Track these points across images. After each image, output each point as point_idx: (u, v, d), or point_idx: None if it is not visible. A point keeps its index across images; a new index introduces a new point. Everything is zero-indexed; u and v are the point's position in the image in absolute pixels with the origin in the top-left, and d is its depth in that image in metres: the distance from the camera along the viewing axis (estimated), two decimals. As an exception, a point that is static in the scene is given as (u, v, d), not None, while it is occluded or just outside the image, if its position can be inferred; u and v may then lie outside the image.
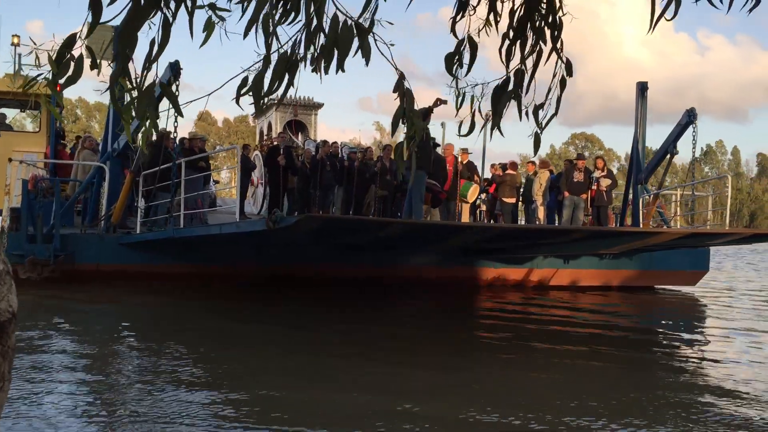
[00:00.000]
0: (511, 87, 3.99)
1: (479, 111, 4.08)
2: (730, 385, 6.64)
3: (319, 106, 26.63)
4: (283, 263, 12.40)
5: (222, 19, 3.22)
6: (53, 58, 3.18)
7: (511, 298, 13.08)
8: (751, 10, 3.56)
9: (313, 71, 3.28)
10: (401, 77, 3.34)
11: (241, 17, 3.21)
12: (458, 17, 3.96)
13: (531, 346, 8.44)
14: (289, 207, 15.83)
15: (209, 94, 3.69)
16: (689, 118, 13.49)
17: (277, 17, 3.22)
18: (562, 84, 4.07)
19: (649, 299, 14.17)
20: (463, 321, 10.47)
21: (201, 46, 3.32)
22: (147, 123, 3.35)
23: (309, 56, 3.27)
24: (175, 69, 9.99)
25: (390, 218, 7.62)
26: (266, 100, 3.35)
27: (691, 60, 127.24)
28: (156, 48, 3.20)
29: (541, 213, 16.64)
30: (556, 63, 4.06)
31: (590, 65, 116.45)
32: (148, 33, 3.22)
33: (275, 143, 18.04)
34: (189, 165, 11.31)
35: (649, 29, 3.54)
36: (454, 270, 13.81)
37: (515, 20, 3.98)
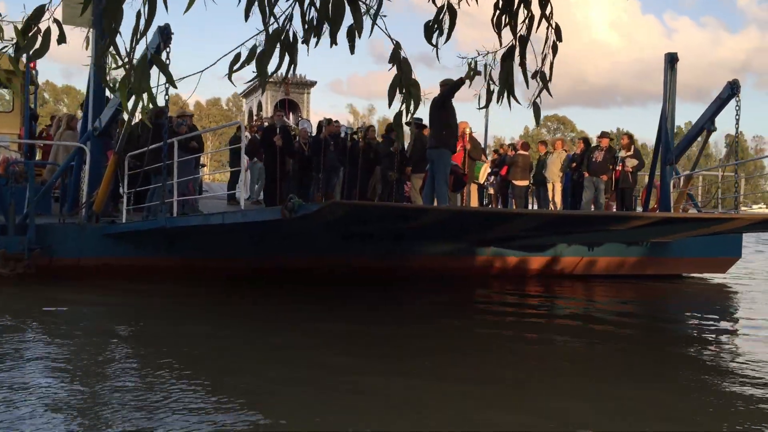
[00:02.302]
0: (517, 55, 3.97)
1: (492, 80, 3.99)
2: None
3: (312, 84, 25.35)
4: (284, 254, 11.17)
5: None
6: (19, 29, 3.06)
7: (532, 289, 12.01)
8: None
9: (302, 43, 3.22)
10: (397, 47, 3.23)
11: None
12: None
13: (553, 340, 7.67)
14: (285, 192, 14.64)
15: (204, 70, 3.59)
16: (732, 90, 12.33)
17: None
18: (554, 49, 4.06)
19: (677, 288, 13.14)
20: (485, 316, 9.37)
21: (185, 11, 3.21)
22: (145, 98, 3.22)
23: (302, 31, 3.22)
24: (165, 34, 8.68)
25: (427, 205, 6.53)
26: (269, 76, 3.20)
27: (659, 42, 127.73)
28: (143, 19, 3.07)
29: (558, 196, 15.55)
30: (547, 29, 4.03)
31: (559, 48, 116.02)
32: (132, 4, 3.10)
33: (266, 123, 16.80)
34: (180, 145, 10.04)
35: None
36: (470, 260, 12.66)
37: None
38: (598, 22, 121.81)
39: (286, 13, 3.21)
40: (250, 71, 3.25)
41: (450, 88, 9.54)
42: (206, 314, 8.64)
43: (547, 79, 4.13)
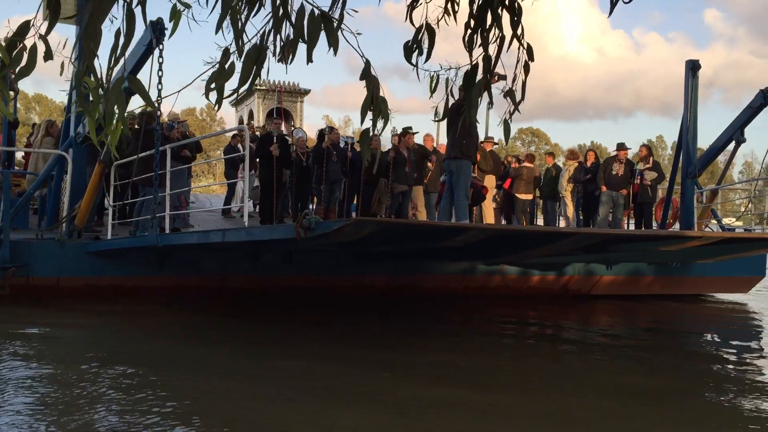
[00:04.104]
0: (480, 74, 4.01)
1: (452, 95, 4.06)
2: None
3: (306, 92, 24.49)
4: (286, 273, 10.26)
5: (187, 6, 3.19)
6: (4, 46, 3.03)
7: (548, 309, 11.20)
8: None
9: (279, 61, 3.26)
10: (368, 65, 3.26)
11: (211, 12, 3.24)
12: (416, 4, 3.99)
13: (568, 363, 7.09)
14: (281, 206, 13.73)
15: (182, 89, 3.72)
16: (764, 99, 11.55)
17: (245, 12, 3.22)
18: (526, 69, 4.13)
19: (698, 309, 12.37)
20: (501, 339, 8.53)
21: (170, 36, 3.38)
22: (115, 122, 3.17)
23: (277, 47, 3.26)
24: (157, 29, 7.75)
25: (468, 223, 5.70)
26: (236, 95, 3.52)
27: (628, 57, 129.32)
28: (122, 40, 3.05)
29: (570, 210, 14.74)
30: (519, 49, 4.09)
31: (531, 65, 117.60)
32: (110, 27, 3.13)
33: (257, 133, 15.96)
34: (171, 154, 9.09)
35: (609, 13, 3.82)
36: (481, 279, 11.79)
37: (475, 8, 4.00)
38: (569, 36, 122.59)
39: (261, 30, 3.23)
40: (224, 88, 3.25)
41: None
42: (200, 339, 7.72)
43: (518, 98, 4.19)
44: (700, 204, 13.07)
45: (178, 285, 9.94)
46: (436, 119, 4.13)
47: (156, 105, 7.67)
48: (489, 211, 12.82)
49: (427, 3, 4.04)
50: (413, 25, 3.93)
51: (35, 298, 9.36)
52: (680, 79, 12.80)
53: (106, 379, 5.75)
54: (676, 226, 14.66)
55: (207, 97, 3.25)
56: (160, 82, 7.88)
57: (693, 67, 12.69)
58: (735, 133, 11.97)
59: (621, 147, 13.26)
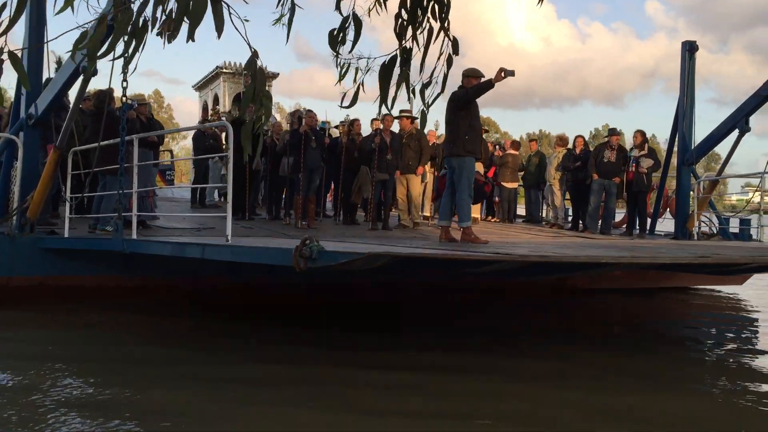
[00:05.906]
0: (398, 65, 4.01)
1: (362, 85, 4.02)
2: None
3: (275, 76, 23.51)
4: (263, 274, 9.32)
5: None
6: None
7: (545, 304, 10.57)
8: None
9: (157, 35, 3.18)
10: (254, 55, 3.26)
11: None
12: None
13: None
14: (253, 196, 12.81)
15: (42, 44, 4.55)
16: (774, 87, 10.95)
17: None
18: (449, 62, 4.17)
19: (690, 301, 11.87)
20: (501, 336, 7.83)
21: (56, 13, 3.15)
22: None
23: (158, 21, 3.13)
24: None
25: (499, 254, 4.83)
26: (98, 59, 3.08)
27: (573, 46, 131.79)
28: (11, 13, 3.00)
29: (558, 200, 14.09)
30: (443, 42, 4.15)
31: (476, 49, 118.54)
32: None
33: (223, 117, 14.95)
34: (140, 141, 8.08)
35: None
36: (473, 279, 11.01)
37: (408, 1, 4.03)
38: (515, 25, 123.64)
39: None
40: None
41: (476, 89, 7.82)
42: (169, 348, 6.83)
43: (440, 90, 4.23)
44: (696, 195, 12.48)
45: (145, 286, 8.95)
46: (342, 106, 3.99)
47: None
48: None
49: None
50: (341, 14, 3.93)
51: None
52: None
53: (57, 404, 4.86)
54: (668, 215, 14.16)
55: (72, 58, 3.28)
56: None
57: (690, 48, 12.10)
58: (739, 122, 11.32)
59: (612, 132, 12.59)
